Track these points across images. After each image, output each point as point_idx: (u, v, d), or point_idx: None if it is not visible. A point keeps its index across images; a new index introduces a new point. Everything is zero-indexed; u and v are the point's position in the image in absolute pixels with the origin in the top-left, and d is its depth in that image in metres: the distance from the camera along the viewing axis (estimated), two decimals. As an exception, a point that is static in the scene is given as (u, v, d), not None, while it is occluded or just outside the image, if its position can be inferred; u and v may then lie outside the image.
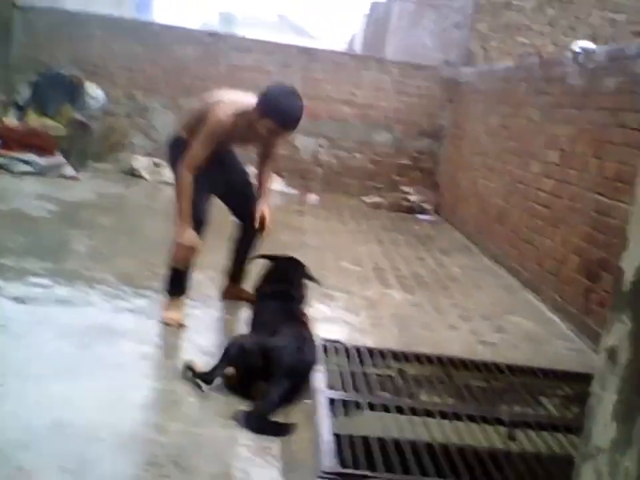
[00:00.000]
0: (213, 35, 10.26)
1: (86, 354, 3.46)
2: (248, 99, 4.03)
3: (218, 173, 4.14)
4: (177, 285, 4.17)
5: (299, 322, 3.72)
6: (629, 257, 1.55)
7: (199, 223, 4.04)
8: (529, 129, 6.61)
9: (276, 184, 9.50)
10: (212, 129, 3.91)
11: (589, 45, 6.36)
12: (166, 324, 4.00)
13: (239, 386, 3.24)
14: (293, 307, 3.88)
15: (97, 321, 3.90)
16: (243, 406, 3.11)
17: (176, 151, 4.12)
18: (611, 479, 1.51)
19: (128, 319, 4.04)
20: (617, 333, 1.53)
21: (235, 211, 4.48)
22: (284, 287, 3.98)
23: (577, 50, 6.04)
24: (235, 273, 4.59)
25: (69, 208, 6.63)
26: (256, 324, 3.76)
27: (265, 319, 3.70)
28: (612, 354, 1.53)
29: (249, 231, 4.45)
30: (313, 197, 9.44)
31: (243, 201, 4.41)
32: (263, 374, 3.20)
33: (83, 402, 2.96)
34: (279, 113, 3.84)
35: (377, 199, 9.41)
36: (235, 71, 9.66)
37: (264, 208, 4.37)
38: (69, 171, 8.00)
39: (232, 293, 4.59)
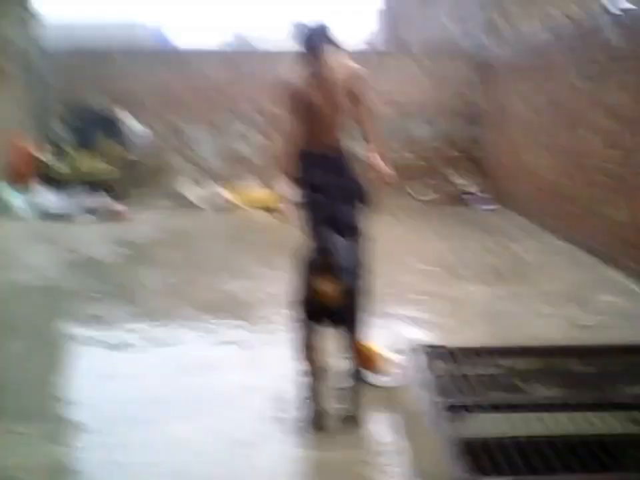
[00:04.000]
0: (237, 52, 10.32)
1: (194, 393, 3.51)
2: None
3: None
4: None
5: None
6: None
7: None
8: (578, 100, 6.51)
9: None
10: None
11: (627, 4, 6.23)
12: None
13: None
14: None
15: (196, 358, 3.96)
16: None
17: None
18: None
19: (224, 351, 4.08)
20: None
21: None
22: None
23: (615, 10, 5.90)
24: None
25: (136, 247, 6.74)
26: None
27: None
28: None
29: None
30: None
31: None
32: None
33: (202, 445, 2.99)
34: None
35: (431, 195, 9.37)
36: (265, 84, 9.68)
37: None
38: (122, 209, 8.13)
39: None
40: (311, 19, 3.87)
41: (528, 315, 4.70)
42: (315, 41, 3.79)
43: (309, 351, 3.20)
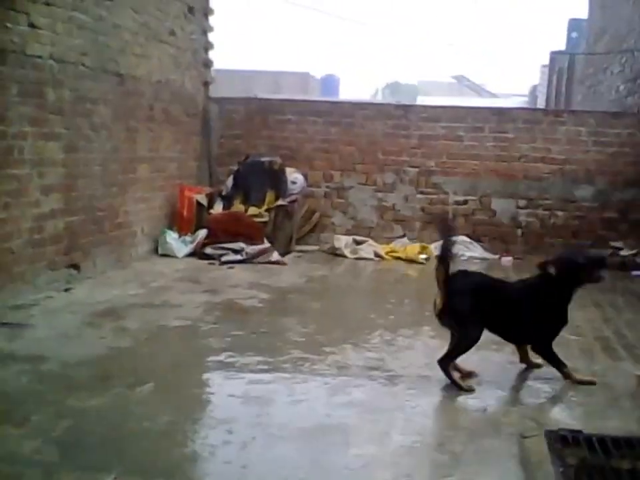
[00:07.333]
0: (401, 107, 10.33)
1: (316, 460, 3.36)
2: None
3: None
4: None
5: None
6: None
7: None
8: None
9: (474, 250, 9.31)
10: None
11: None
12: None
13: None
14: None
15: (323, 420, 3.83)
16: None
17: None
18: None
19: (353, 415, 3.93)
20: None
21: None
22: None
23: None
24: None
25: (279, 294, 6.79)
26: None
27: None
28: None
29: None
30: (506, 259, 9.18)
31: None
32: None
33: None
34: None
35: (584, 258, 8.92)
36: (426, 140, 9.69)
37: None
38: (275, 256, 8.25)
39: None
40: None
41: (686, 403, 4.29)
42: None
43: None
